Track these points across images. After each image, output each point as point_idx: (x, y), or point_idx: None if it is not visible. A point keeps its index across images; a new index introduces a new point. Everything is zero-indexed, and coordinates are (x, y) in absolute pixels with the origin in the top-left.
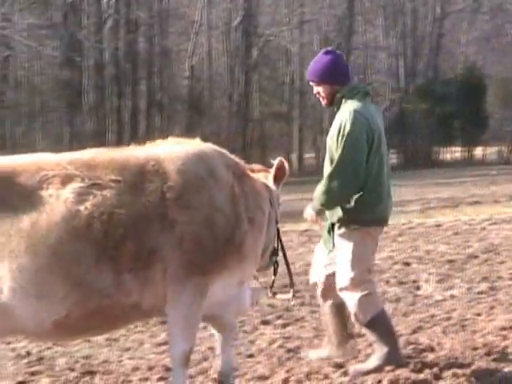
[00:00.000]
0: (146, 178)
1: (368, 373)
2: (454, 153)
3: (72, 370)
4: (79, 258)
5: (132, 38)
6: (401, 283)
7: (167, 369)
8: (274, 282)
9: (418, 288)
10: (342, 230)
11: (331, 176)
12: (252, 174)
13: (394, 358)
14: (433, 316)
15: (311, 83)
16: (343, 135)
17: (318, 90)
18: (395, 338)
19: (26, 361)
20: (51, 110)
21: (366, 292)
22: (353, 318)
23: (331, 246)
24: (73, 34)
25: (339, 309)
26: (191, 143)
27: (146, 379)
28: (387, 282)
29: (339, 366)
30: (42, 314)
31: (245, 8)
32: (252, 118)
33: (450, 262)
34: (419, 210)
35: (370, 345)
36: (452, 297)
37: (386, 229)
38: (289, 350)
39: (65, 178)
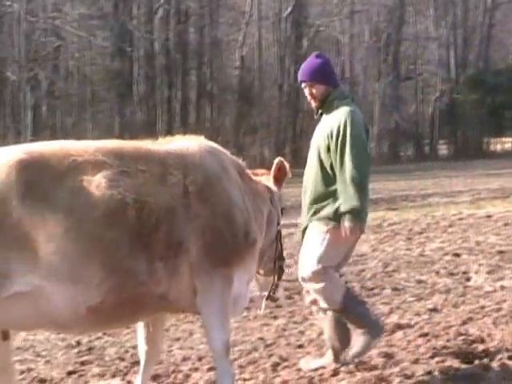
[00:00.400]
0: (168, 170)
1: (364, 352)
2: (505, 143)
3: (122, 359)
4: (115, 244)
5: (182, 29)
6: (451, 274)
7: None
8: (277, 286)
9: (468, 279)
10: (331, 224)
11: (355, 180)
12: (255, 177)
13: (378, 329)
14: (483, 307)
15: (303, 84)
16: (344, 135)
17: (312, 90)
18: (369, 309)
19: (76, 350)
20: (102, 101)
21: (329, 279)
22: (324, 306)
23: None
24: (123, 24)
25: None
26: (200, 140)
27: (196, 369)
28: (437, 273)
29: (389, 356)
30: (77, 299)
31: None
32: (302, 108)
33: (501, 252)
34: (469, 200)
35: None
36: (502, 288)
37: (436, 219)
38: None
39: (94, 164)
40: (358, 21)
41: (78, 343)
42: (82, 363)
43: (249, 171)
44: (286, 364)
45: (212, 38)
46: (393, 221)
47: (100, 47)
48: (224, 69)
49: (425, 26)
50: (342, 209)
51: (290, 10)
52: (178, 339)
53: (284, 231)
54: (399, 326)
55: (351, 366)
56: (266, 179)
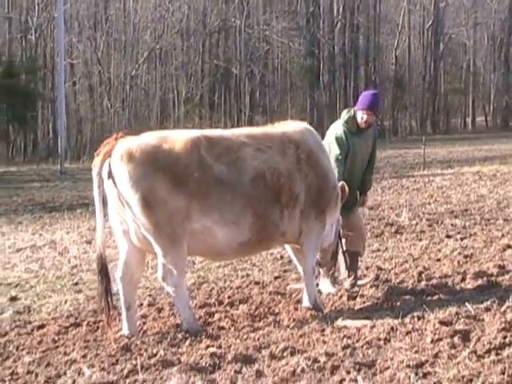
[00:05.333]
0: (285, 145)
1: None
2: None
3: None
4: (260, 199)
5: (354, 37)
6: None
7: (379, 268)
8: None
9: None
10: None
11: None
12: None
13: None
14: None
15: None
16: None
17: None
18: None
19: (280, 262)
20: (298, 88)
21: None
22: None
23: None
24: (313, 33)
25: None
26: (302, 124)
27: (365, 276)
28: None
29: (502, 267)
30: (233, 237)
31: (434, 15)
32: (439, 92)
33: None
34: None
35: None
36: None
37: None
38: (465, 256)
39: (240, 145)
40: (480, 30)
41: (281, 257)
42: (285, 271)
43: None
44: (427, 272)
45: (375, 43)
46: (504, 171)
47: (297, 50)
48: (384, 65)
49: None
50: None
51: (430, 22)
52: None
53: None
54: (509, 246)
55: (474, 276)
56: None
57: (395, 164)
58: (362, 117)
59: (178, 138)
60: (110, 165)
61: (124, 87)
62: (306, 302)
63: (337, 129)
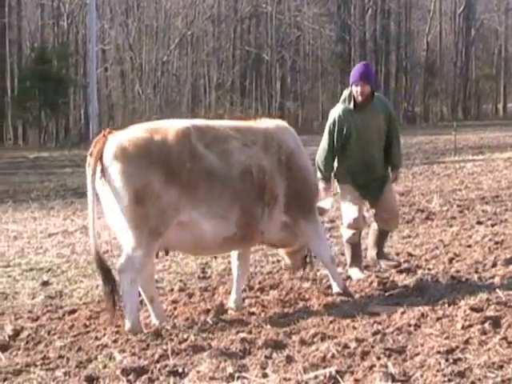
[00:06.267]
0: (268, 143)
1: None
2: None
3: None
4: (246, 194)
5: (386, 23)
6: None
7: (409, 254)
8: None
9: None
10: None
11: (400, 145)
12: None
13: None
14: None
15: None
16: (394, 117)
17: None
18: None
19: None
20: (328, 74)
21: None
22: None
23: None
24: (344, 19)
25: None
26: (281, 121)
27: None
28: None
29: None
30: (219, 231)
31: (466, 0)
32: (470, 78)
33: None
34: None
35: None
36: None
37: None
38: (496, 242)
39: (227, 136)
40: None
41: None
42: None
43: None
44: (458, 258)
45: (406, 29)
46: None
47: (328, 36)
48: (415, 51)
49: None
50: None
51: (462, 8)
52: None
53: None
54: None
55: (506, 260)
56: None
57: (426, 150)
58: (356, 90)
59: (168, 128)
60: (103, 163)
61: (155, 73)
62: (335, 288)
63: (333, 112)
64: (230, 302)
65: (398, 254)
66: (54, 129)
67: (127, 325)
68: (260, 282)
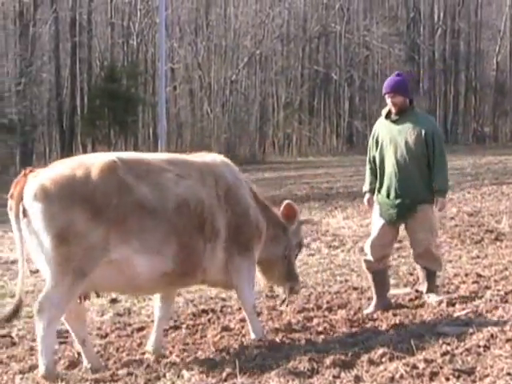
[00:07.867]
0: (204, 176)
1: None
2: None
3: (411, 274)
4: (184, 228)
5: (455, 42)
6: None
7: (478, 275)
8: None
9: None
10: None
11: (445, 167)
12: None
13: None
14: None
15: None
16: (439, 136)
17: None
18: None
19: None
20: None
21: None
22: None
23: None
24: (413, 39)
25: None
26: (218, 156)
27: (464, 282)
28: None
29: None
30: (155, 268)
31: None
32: None
33: None
34: None
35: None
36: None
37: None
38: None
39: (161, 169)
40: None
41: None
42: None
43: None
44: None
45: (476, 49)
46: None
47: (396, 56)
48: (484, 71)
49: None
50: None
51: None
52: (450, 261)
53: None
54: None
55: None
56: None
57: (495, 170)
58: (388, 101)
59: (92, 164)
60: (23, 205)
61: (224, 92)
62: (253, 336)
63: (375, 125)
64: (148, 346)
65: (466, 275)
66: (123, 147)
67: (41, 369)
68: (328, 302)
